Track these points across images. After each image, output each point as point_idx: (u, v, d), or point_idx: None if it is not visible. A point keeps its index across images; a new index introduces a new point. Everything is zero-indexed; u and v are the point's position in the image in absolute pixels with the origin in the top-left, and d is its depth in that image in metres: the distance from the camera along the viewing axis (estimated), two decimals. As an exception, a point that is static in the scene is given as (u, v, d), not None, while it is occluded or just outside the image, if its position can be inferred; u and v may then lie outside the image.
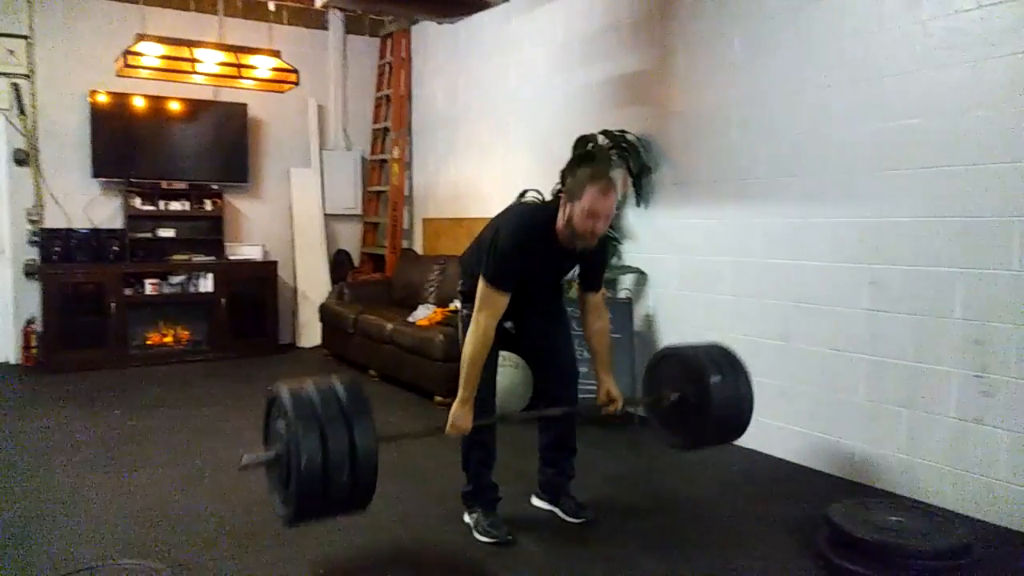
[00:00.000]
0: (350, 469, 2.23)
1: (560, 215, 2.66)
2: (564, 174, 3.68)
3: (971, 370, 3.00)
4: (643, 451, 3.95)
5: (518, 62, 5.71)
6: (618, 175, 2.56)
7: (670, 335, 4.41)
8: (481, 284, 2.68)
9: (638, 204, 4.52)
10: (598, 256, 2.86)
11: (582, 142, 4.57)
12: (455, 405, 2.69)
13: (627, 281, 4.65)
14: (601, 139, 4.51)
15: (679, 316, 4.35)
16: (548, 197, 4.67)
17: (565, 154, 4.62)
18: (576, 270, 2.88)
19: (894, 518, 2.55)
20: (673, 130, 4.34)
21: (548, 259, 2.77)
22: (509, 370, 4.46)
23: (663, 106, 4.41)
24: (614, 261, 4.65)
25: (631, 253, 4.64)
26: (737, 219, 3.98)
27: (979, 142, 2.96)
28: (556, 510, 3.05)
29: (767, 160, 3.81)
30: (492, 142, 6.05)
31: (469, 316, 2.84)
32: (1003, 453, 2.91)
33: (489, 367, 2.81)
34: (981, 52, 2.95)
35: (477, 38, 6.17)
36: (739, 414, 2.99)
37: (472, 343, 2.66)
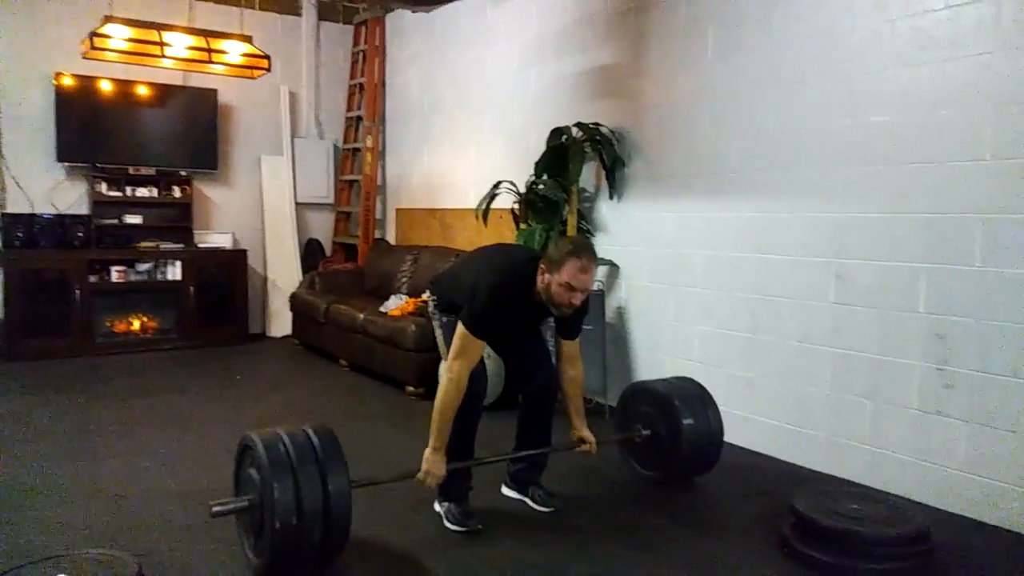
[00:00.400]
0: (324, 514, 2.30)
1: (539, 279, 2.68)
2: (538, 166, 3.72)
3: (933, 363, 3.08)
4: (611, 443, 3.98)
5: (493, 53, 5.70)
6: (595, 258, 2.65)
7: (641, 327, 4.45)
8: (459, 331, 2.67)
9: (611, 197, 4.55)
10: (578, 310, 2.79)
11: (556, 134, 4.58)
12: (427, 453, 2.70)
13: (599, 273, 4.67)
14: (575, 131, 4.52)
15: (650, 308, 4.39)
16: (522, 189, 4.69)
17: (539, 146, 4.65)
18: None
19: (856, 506, 2.61)
20: (647, 123, 4.37)
21: (526, 314, 2.82)
22: (492, 363, 4.47)
23: (637, 99, 4.43)
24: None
25: (603, 245, 4.66)
26: (708, 213, 4.02)
27: (944, 140, 3.03)
28: (526, 499, 3.08)
29: (738, 155, 3.85)
30: (466, 133, 6.04)
31: (446, 323, 2.93)
32: (962, 443, 2.99)
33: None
34: (948, 52, 3.02)
35: (452, 28, 6.14)
36: (710, 448, 3.19)
37: (446, 392, 2.65)
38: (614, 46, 4.59)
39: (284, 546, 2.27)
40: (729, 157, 3.90)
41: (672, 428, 3.14)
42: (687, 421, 3.12)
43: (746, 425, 3.80)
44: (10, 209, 5.90)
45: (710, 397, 3.25)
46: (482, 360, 2.82)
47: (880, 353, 3.26)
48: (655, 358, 4.34)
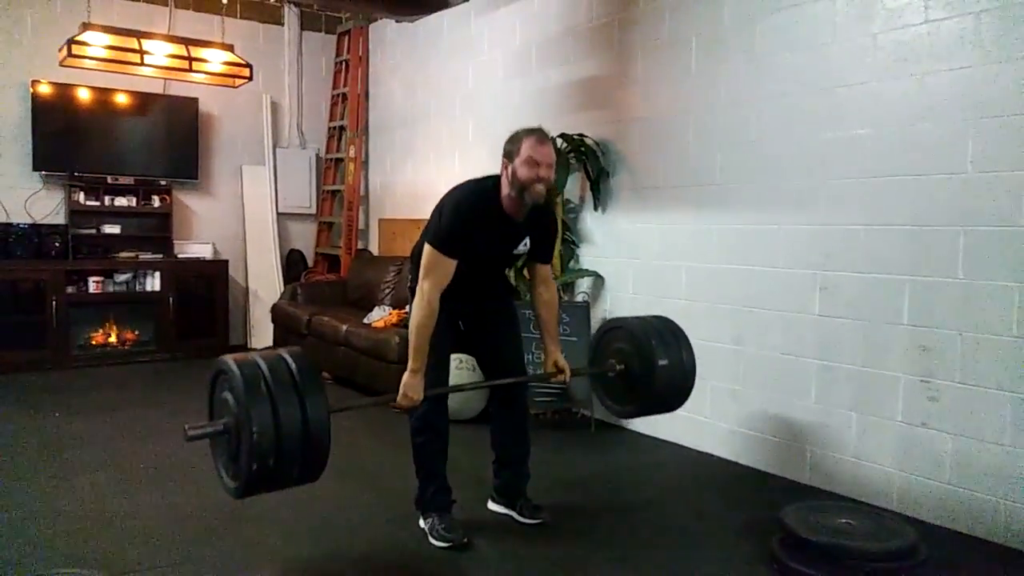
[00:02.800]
0: (302, 439, 2.18)
1: (504, 181, 2.69)
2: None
3: (918, 375, 3.08)
4: (598, 455, 3.96)
5: (477, 63, 5.69)
6: (546, 133, 2.69)
7: (626, 339, 4.43)
8: (427, 250, 2.68)
9: (596, 208, 4.54)
10: (545, 228, 2.87)
11: (540, 145, 4.57)
12: (406, 375, 2.67)
13: (584, 284, 4.66)
14: (560, 142, 4.51)
15: (635, 320, 4.37)
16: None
17: (524, 157, 4.62)
18: (526, 247, 2.84)
19: (844, 520, 2.60)
20: (631, 135, 4.37)
21: (496, 232, 2.75)
22: (465, 372, 4.44)
23: (621, 111, 4.44)
24: (572, 265, 4.66)
25: (588, 257, 4.65)
26: (692, 224, 4.02)
27: (926, 153, 3.05)
28: (512, 513, 3.04)
29: (722, 167, 3.86)
30: (450, 143, 6.02)
31: None
32: (947, 457, 2.99)
33: (441, 350, 2.80)
34: (928, 66, 3.04)
35: (436, 38, 6.13)
36: (683, 382, 3.06)
37: (418, 311, 2.66)
38: (598, 58, 4.59)
39: (261, 469, 2.15)
40: (713, 169, 3.90)
41: (645, 360, 2.98)
42: (660, 352, 2.96)
43: (732, 438, 3.79)
44: (-16, 219, 5.80)
45: (682, 332, 3.11)
46: (445, 401, 2.86)
47: (865, 365, 3.26)
48: (640, 370, 4.32)
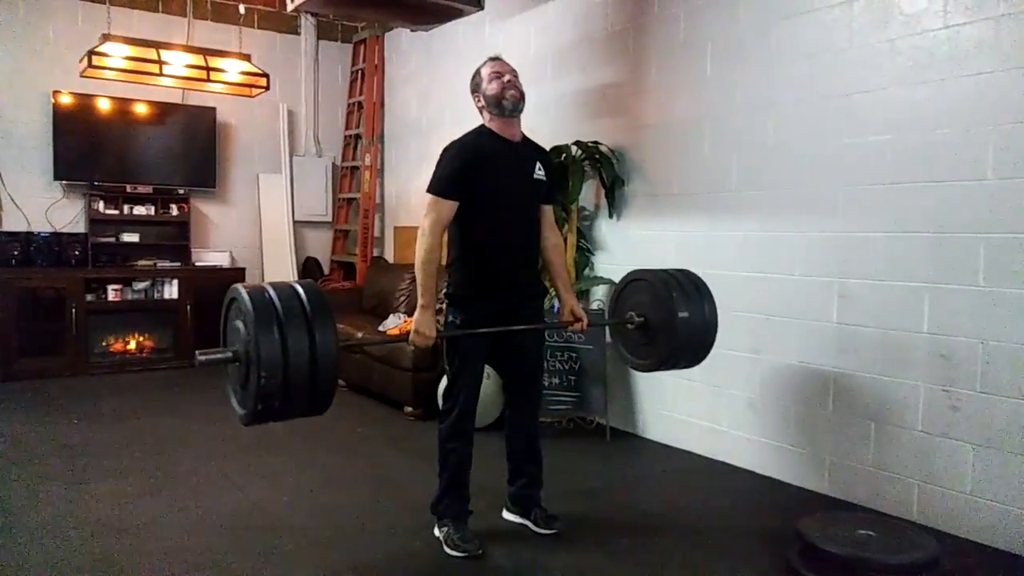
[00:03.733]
0: (310, 368, 2.18)
1: (484, 115, 2.86)
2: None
3: (938, 384, 3.04)
4: (613, 465, 3.94)
5: (492, 71, 5.68)
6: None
7: (641, 346, 4.41)
8: (426, 199, 2.77)
9: (611, 216, 4.53)
10: (547, 162, 2.96)
11: (555, 152, 4.56)
12: (417, 313, 2.70)
13: (600, 292, 4.65)
14: (574, 150, 4.51)
15: (651, 328, 4.35)
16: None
17: (538, 164, 4.63)
18: (541, 172, 2.90)
19: (863, 531, 2.57)
20: (646, 142, 4.36)
21: (504, 158, 2.80)
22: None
23: (636, 118, 4.43)
24: (587, 272, 4.65)
25: (603, 264, 4.64)
26: (708, 231, 4.00)
27: (946, 159, 3.01)
28: (527, 523, 3.02)
29: (738, 174, 3.84)
30: (465, 151, 6.01)
31: (450, 325, 2.88)
32: (969, 467, 2.95)
33: (474, 362, 2.84)
34: (947, 71, 3.01)
35: (450, 46, 6.15)
36: (704, 336, 3.01)
37: (420, 247, 2.72)
38: (613, 65, 4.59)
39: (269, 395, 2.15)
40: (729, 175, 3.88)
41: (666, 312, 2.93)
42: (681, 304, 2.92)
43: (749, 447, 3.75)
44: (6, 227, 5.87)
45: (705, 285, 3.06)
46: (474, 409, 2.87)
47: (884, 374, 3.22)
48: (656, 378, 4.29)
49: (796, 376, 3.57)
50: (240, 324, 2.25)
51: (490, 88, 2.79)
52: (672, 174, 4.20)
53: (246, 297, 2.21)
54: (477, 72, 2.88)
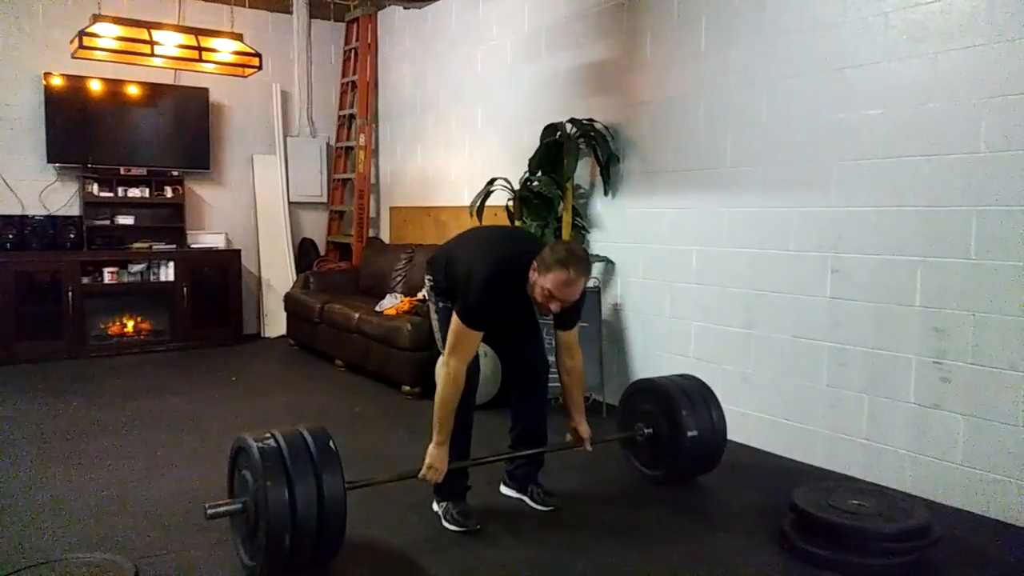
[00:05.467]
0: (318, 522, 2.28)
1: (530, 275, 2.64)
2: (532, 162, 3.74)
3: (930, 356, 3.07)
4: (610, 440, 3.96)
5: (485, 49, 5.67)
6: (586, 271, 2.64)
7: (637, 323, 4.44)
8: (455, 324, 2.67)
9: (606, 193, 4.53)
10: (575, 305, 2.77)
11: (550, 130, 4.57)
12: (431, 448, 2.70)
13: (595, 270, 4.66)
14: (569, 127, 4.50)
15: (645, 305, 4.38)
16: (517, 186, 4.68)
17: (533, 142, 4.63)
18: None
19: (856, 501, 2.60)
20: (641, 119, 4.36)
21: (524, 305, 2.75)
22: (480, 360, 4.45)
23: (631, 95, 4.42)
24: (582, 250, 4.66)
25: (599, 242, 4.65)
26: (702, 208, 4.01)
27: (938, 133, 3.02)
28: (524, 498, 3.06)
29: (732, 149, 3.84)
30: (460, 130, 6.01)
31: (441, 309, 2.92)
32: (960, 437, 2.99)
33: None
34: (941, 44, 3.01)
35: (444, 24, 6.11)
36: (713, 448, 3.16)
37: (444, 386, 2.67)
38: (607, 41, 4.57)
39: (278, 549, 2.25)
40: (723, 152, 3.89)
41: (674, 427, 3.12)
42: (689, 420, 3.10)
43: (744, 421, 3.79)
44: (0, 211, 5.85)
45: (713, 395, 3.23)
46: (474, 362, 2.83)
47: (877, 347, 3.25)
48: (652, 355, 4.33)
49: (790, 350, 3.60)
50: (248, 474, 2.34)
51: (540, 293, 2.59)
52: (667, 151, 4.21)
53: (254, 448, 2.30)
54: (553, 263, 2.54)
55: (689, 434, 3.09)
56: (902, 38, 3.12)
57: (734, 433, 3.82)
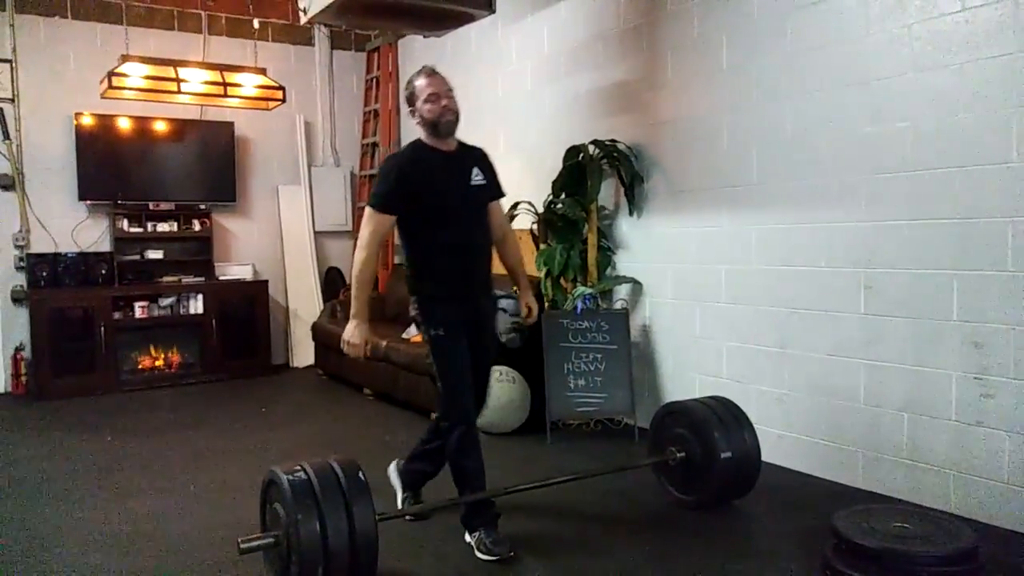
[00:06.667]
0: (350, 554, 2.28)
1: (421, 130, 2.86)
2: (556, 185, 3.79)
3: (971, 372, 2.99)
4: (643, 466, 3.91)
5: (505, 74, 5.70)
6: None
7: (667, 345, 4.39)
8: (365, 213, 2.85)
9: (631, 213, 4.51)
10: (485, 162, 3.02)
11: (573, 152, 4.57)
12: (349, 324, 2.85)
13: (623, 291, 4.63)
14: (592, 149, 4.50)
15: (675, 325, 4.33)
16: (541, 209, 4.68)
17: (556, 164, 4.63)
18: (480, 177, 2.94)
19: (899, 524, 2.52)
20: (664, 138, 4.34)
21: (441, 170, 2.86)
22: (507, 386, 4.44)
23: (653, 114, 4.41)
24: (608, 272, 4.64)
25: (625, 263, 4.62)
26: (730, 226, 3.97)
27: (969, 144, 2.97)
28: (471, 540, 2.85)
29: (758, 166, 3.81)
30: (481, 155, 6.02)
31: (434, 336, 2.86)
32: (1005, 455, 2.90)
33: (463, 360, 2.84)
34: (967, 55, 2.96)
35: (464, 51, 6.17)
36: (747, 471, 3.12)
37: (358, 260, 2.82)
38: (628, 62, 4.57)
39: None
40: (749, 169, 3.85)
41: (707, 450, 3.07)
42: (722, 442, 3.05)
43: (779, 442, 3.72)
44: (34, 249, 5.97)
45: (745, 417, 3.17)
46: (475, 419, 2.89)
47: (915, 364, 3.17)
48: (683, 376, 4.28)
49: (824, 369, 3.53)
50: (279, 508, 2.35)
51: (426, 109, 2.81)
52: (692, 169, 4.18)
53: (284, 481, 2.32)
54: (411, 83, 2.86)
55: (723, 456, 3.03)
56: (927, 49, 3.08)
57: (769, 455, 3.75)
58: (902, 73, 3.17)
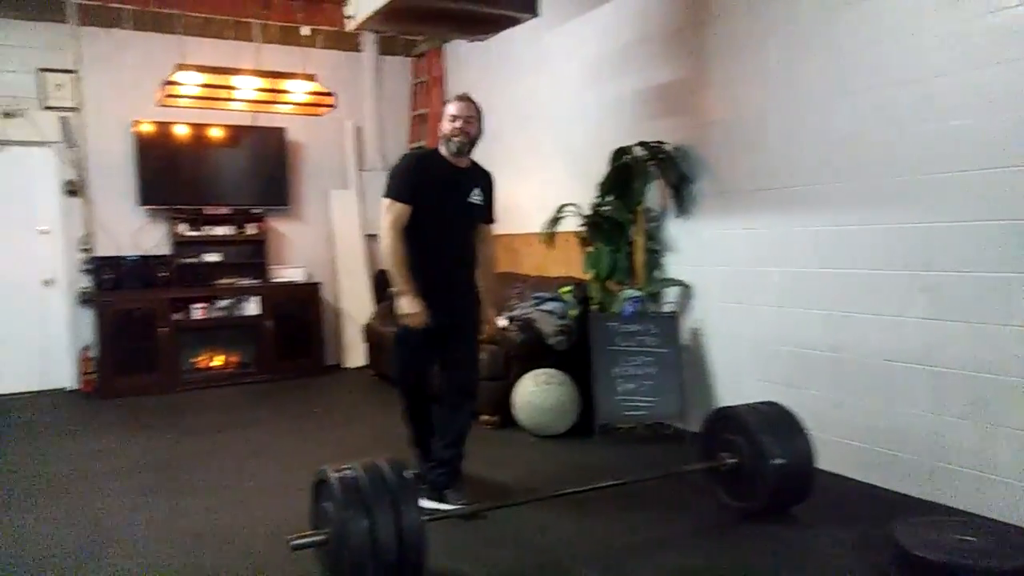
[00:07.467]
0: (399, 553, 2.30)
1: (439, 139, 3.26)
2: (602, 187, 3.92)
3: (1037, 379, 2.88)
4: (697, 471, 3.86)
5: (550, 77, 5.70)
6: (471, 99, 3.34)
7: (718, 349, 4.33)
8: (383, 202, 3.18)
9: (679, 215, 4.46)
10: (488, 187, 3.38)
11: (619, 154, 4.54)
12: (401, 301, 3.15)
13: (672, 294, 4.58)
14: (638, 150, 4.47)
15: (725, 329, 4.27)
16: (587, 212, 4.66)
17: (601, 167, 4.61)
18: (478, 196, 3.30)
19: (964, 537, 2.45)
20: (712, 139, 4.28)
21: (444, 178, 3.22)
22: (555, 388, 4.44)
23: (700, 115, 4.35)
24: (656, 274, 4.59)
25: (674, 265, 4.57)
26: (781, 228, 3.90)
27: (1034, 142, 2.85)
28: (441, 505, 3.15)
29: (809, 167, 3.72)
30: (528, 157, 6.04)
31: (400, 331, 3.32)
32: (1075, 465, 2.78)
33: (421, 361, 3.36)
34: (1029, 49, 2.85)
35: (509, 54, 6.17)
36: (801, 478, 3.03)
37: (386, 245, 3.16)
38: (674, 63, 4.52)
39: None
40: (800, 169, 3.77)
41: (759, 456, 3.02)
42: (775, 448, 2.99)
43: (835, 449, 3.63)
44: (99, 252, 6.19)
45: (799, 423, 3.10)
46: (429, 365, 3.34)
47: (979, 370, 3.06)
48: (735, 381, 4.21)
49: (881, 374, 3.44)
50: (329, 506, 2.40)
51: (444, 125, 3.22)
52: (741, 170, 4.11)
53: (334, 480, 2.38)
54: (446, 101, 3.30)
55: (775, 462, 2.97)
56: (983, 45, 2.97)
57: (825, 462, 3.67)
58: (958, 70, 3.07)
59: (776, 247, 3.93)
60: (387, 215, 3.16)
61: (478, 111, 3.25)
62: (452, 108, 3.21)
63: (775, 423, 3.08)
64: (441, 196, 3.21)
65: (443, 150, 3.24)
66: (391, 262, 3.16)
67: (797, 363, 3.85)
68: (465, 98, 3.25)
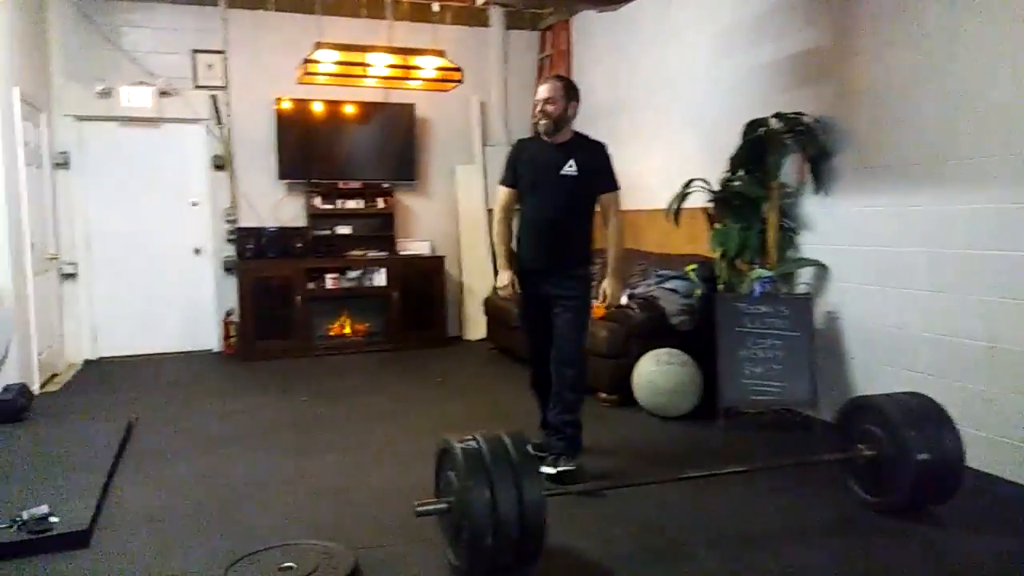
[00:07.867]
0: (519, 525, 2.32)
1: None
2: (733, 161, 3.81)
3: None
4: (830, 463, 3.66)
5: (680, 47, 5.50)
6: (555, 79, 3.47)
7: (855, 334, 4.07)
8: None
9: (817, 191, 4.21)
10: (592, 152, 3.48)
11: (753, 126, 4.33)
12: (499, 275, 3.56)
13: (805, 275, 4.35)
14: (774, 122, 4.24)
15: (865, 314, 4.00)
16: (716, 187, 4.49)
17: (731, 140, 4.42)
18: (572, 168, 3.38)
19: None
20: (857, 109, 4.00)
21: (539, 155, 3.44)
22: (676, 368, 4.34)
23: (844, 84, 4.07)
24: (790, 253, 4.37)
25: (809, 245, 4.33)
26: (933, 205, 3.60)
27: None
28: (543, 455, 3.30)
29: (969, 137, 3.41)
30: (655, 131, 5.88)
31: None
32: None
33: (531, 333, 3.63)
34: None
35: (637, 25, 6.01)
36: (946, 475, 2.81)
37: (494, 227, 3.65)
38: (816, 29, 4.24)
39: (480, 551, 2.31)
40: (958, 140, 3.46)
41: (900, 449, 2.81)
42: (918, 442, 2.78)
43: (986, 446, 3.34)
44: (242, 223, 6.60)
45: (946, 415, 2.87)
46: (542, 335, 3.50)
47: None
48: (873, 369, 3.96)
49: (1045, 367, 3.12)
50: (452, 475, 2.45)
51: (536, 105, 3.40)
52: (889, 143, 3.82)
53: (457, 449, 2.42)
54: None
55: (919, 457, 2.76)
56: None
57: (974, 460, 3.39)
58: None
59: (927, 226, 3.63)
60: (498, 199, 3.60)
61: (564, 90, 3.37)
62: (538, 92, 3.42)
63: (920, 415, 2.86)
64: (535, 173, 3.45)
65: (540, 132, 3.46)
66: (495, 240, 3.64)
67: (945, 353, 3.56)
68: (549, 79, 3.45)
